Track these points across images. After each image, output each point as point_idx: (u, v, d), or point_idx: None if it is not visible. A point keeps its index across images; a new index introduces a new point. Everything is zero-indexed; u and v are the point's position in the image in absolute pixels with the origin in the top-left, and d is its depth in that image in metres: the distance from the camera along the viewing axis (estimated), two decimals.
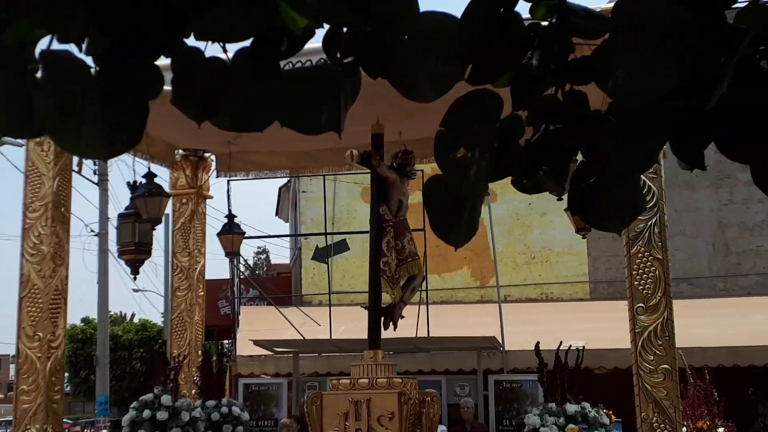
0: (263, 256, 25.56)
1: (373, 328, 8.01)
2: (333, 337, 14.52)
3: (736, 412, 15.52)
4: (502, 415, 13.52)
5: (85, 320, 34.03)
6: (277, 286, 21.55)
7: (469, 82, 1.29)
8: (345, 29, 1.36)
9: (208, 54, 1.23)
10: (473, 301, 19.01)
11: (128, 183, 8.70)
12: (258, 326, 15.97)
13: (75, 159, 7.62)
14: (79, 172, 7.92)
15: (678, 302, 19.00)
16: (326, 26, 1.33)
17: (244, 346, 15.64)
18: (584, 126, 1.35)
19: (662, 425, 6.64)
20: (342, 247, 19.22)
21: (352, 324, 15.45)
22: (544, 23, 1.28)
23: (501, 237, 18.80)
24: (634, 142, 1.33)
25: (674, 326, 6.95)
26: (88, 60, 1.13)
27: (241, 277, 20.85)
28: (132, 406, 7.85)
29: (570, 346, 8.40)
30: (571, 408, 7.67)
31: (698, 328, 14.89)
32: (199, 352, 9.54)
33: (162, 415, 7.54)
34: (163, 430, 7.54)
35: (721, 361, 14.35)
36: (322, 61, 1.38)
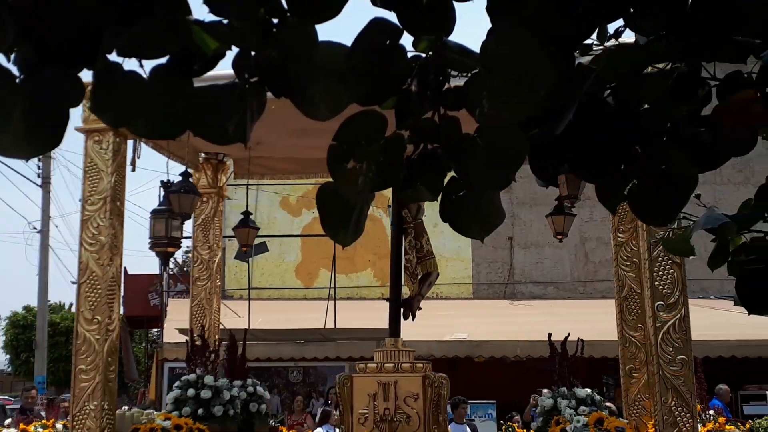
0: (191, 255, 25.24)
1: (394, 319, 7.81)
2: (251, 327, 14.36)
3: None
4: None
5: (27, 308, 33.07)
6: None
7: (358, 103, 1.28)
8: (253, 53, 1.34)
9: (129, 68, 1.20)
10: (375, 297, 19.08)
11: (162, 182, 8.55)
12: (184, 316, 15.70)
13: (128, 158, 7.41)
14: (133, 170, 7.55)
15: (545, 302, 19.45)
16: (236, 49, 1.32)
17: (171, 334, 15.34)
18: (456, 146, 1.36)
19: (680, 408, 6.55)
20: (262, 248, 19.10)
21: (269, 316, 15.39)
22: (424, 56, 1.28)
23: None
24: (495, 163, 1.34)
25: (690, 322, 6.91)
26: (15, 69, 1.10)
27: (170, 273, 20.48)
28: (176, 385, 7.45)
29: (567, 336, 8.48)
30: (582, 392, 7.56)
31: (560, 324, 15.21)
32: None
33: (206, 394, 7.16)
34: (207, 408, 7.11)
35: (533, 351, 14.74)
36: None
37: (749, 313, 1.99)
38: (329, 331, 14.17)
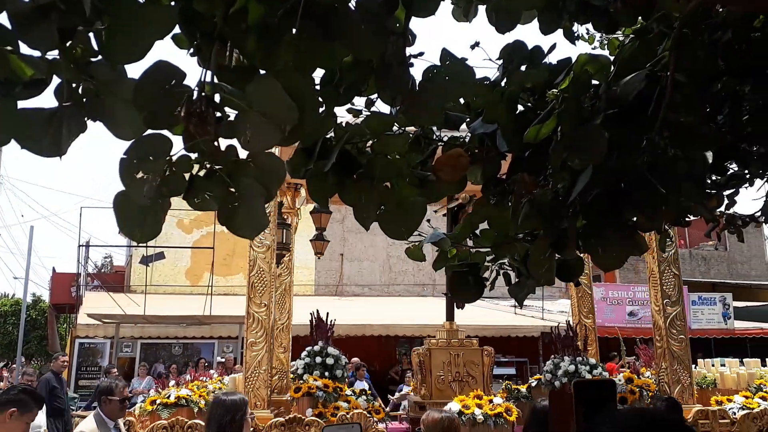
0: (108, 260, 23.61)
1: (450, 308, 7.44)
2: (146, 313, 13.43)
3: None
4: None
5: None
6: (115, 280, 19.77)
7: (149, 127, 1.13)
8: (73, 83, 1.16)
9: None
10: (244, 294, 18.48)
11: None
12: (97, 305, 14.49)
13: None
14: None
15: (363, 298, 19.44)
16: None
17: (83, 318, 14.06)
18: (233, 167, 1.24)
19: (679, 371, 6.75)
20: (160, 256, 18.10)
21: (163, 306, 14.44)
22: (195, 92, 1.15)
23: None
24: (262, 181, 1.23)
25: (685, 313, 7.15)
26: None
27: (88, 272, 18.94)
28: (303, 354, 6.78)
29: (558, 324, 7.91)
30: (592, 360, 7.24)
31: (370, 312, 15.34)
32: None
33: (330, 360, 6.68)
34: (331, 371, 6.59)
35: (380, 332, 14.84)
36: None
37: (454, 301, 1.98)
38: (205, 317, 13.46)
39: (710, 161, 1.26)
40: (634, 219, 1.43)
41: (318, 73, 1.49)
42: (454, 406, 5.88)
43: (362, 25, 1.23)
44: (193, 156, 1.24)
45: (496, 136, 1.91)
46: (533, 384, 7.49)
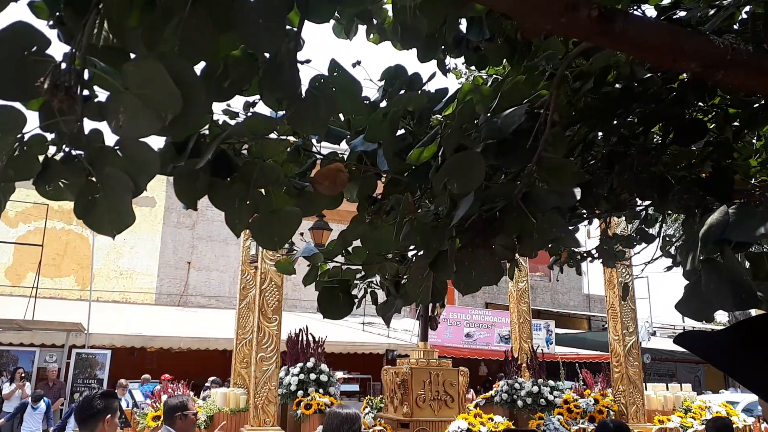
0: None
1: (424, 329, 7.85)
2: None
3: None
4: (77, 377, 11.87)
5: None
6: None
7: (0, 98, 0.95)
8: None
9: None
10: (74, 298, 16.78)
11: None
12: None
13: None
14: None
15: (209, 310, 18.54)
16: None
17: None
18: (97, 154, 1.09)
19: (633, 393, 7.70)
20: None
21: None
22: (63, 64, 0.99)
23: (100, 258, 17.15)
24: (130, 172, 1.09)
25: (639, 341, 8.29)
26: None
27: None
28: (294, 372, 6.93)
29: (538, 346, 9.11)
30: (551, 381, 7.96)
31: (214, 325, 14.67)
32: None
33: (324, 378, 6.95)
34: (325, 388, 6.91)
35: (225, 345, 14.20)
36: None
37: (324, 317, 1.93)
38: (27, 322, 11.96)
39: (579, 197, 1.35)
40: (504, 245, 1.48)
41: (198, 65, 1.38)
42: (462, 424, 6.37)
43: (260, 18, 1.14)
44: (50, 136, 1.06)
45: (375, 155, 1.90)
46: (481, 402, 8.13)
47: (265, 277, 6.91)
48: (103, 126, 1.10)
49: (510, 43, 2.33)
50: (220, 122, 1.72)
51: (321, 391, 6.81)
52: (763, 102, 1.89)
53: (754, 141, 2.41)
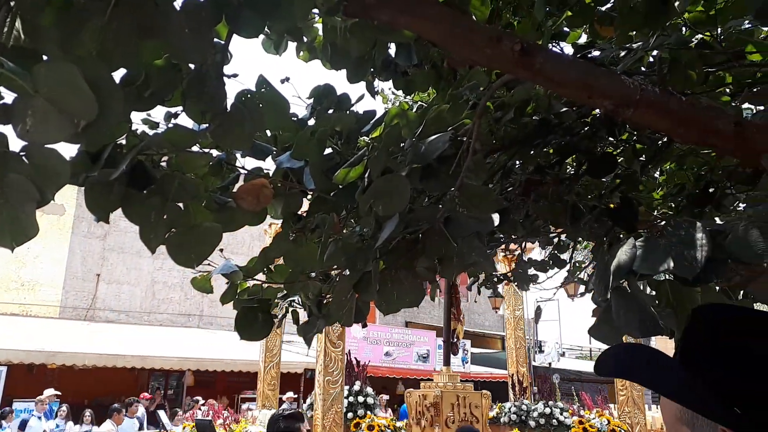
0: None
1: (447, 353, 8.27)
2: None
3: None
4: None
5: None
6: None
7: None
8: None
9: None
10: None
11: None
12: None
13: None
14: None
15: (117, 325, 17.62)
16: None
17: None
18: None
19: (637, 414, 8.27)
20: None
21: None
22: None
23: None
24: (37, 181, 1.01)
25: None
26: None
27: None
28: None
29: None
30: (560, 403, 8.63)
31: (124, 343, 13.91)
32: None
33: (370, 400, 7.65)
34: (372, 409, 7.62)
35: (134, 363, 13.47)
36: None
37: (241, 338, 1.86)
38: None
39: (497, 223, 1.38)
40: (426, 267, 1.50)
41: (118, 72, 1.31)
42: None
43: (186, 28, 1.10)
44: None
45: (302, 173, 1.88)
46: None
47: None
48: (8, 130, 1.02)
49: (437, 70, 2.39)
50: (139, 132, 1.64)
51: (368, 412, 7.49)
52: (666, 140, 2.03)
53: (657, 175, 2.58)
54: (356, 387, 7.67)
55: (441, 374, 8.13)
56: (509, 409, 8.69)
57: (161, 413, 11.19)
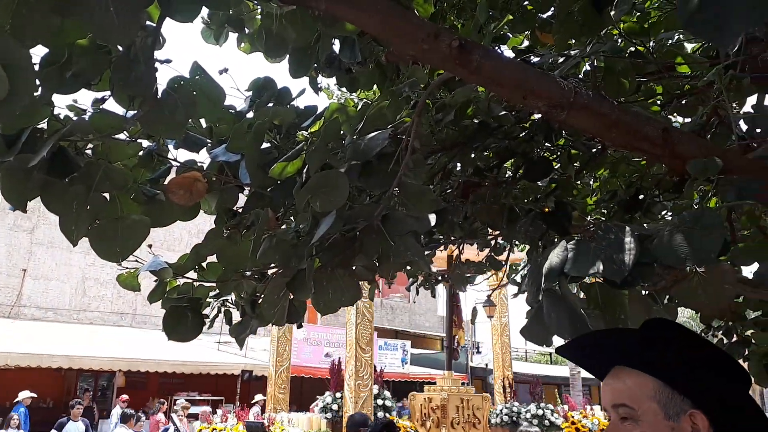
0: None
1: (449, 358, 8.76)
2: None
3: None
4: None
5: None
6: None
7: None
8: None
9: None
10: None
11: None
12: None
13: None
14: None
15: (44, 323, 16.81)
16: None
17: None
18: None
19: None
20: None
21: None
22: None
23: None
24: None
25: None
26: None
27: None
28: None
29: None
30: (550, 405, 9.16)
31: (51, 342, 13.24)
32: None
33: (389, 403, 8.05)
34: (390, 412, 7.98)
35: (61, 363, 12.82)
36: None
37: (168, 339, 1.78)
38: None
39: (434, 223, 1.37)
40: (364, 266, 1.47)
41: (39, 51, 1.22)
42: None
43: (111, 7, 1.03)
44: None
45: (238, 167, 1.81)
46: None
47: (358, 312, 8.05)
48: None
49: (381, 69, 2.37)
50: (62, 117, 1.54)
51: (388, 415, 7.77)
52: (600, 147, 2.08)
53: (591, 182, 2.65)
54: (375, 391, 8.14)
55: (444, 378, 8.56)
56: (500, 410, 9.11)
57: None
